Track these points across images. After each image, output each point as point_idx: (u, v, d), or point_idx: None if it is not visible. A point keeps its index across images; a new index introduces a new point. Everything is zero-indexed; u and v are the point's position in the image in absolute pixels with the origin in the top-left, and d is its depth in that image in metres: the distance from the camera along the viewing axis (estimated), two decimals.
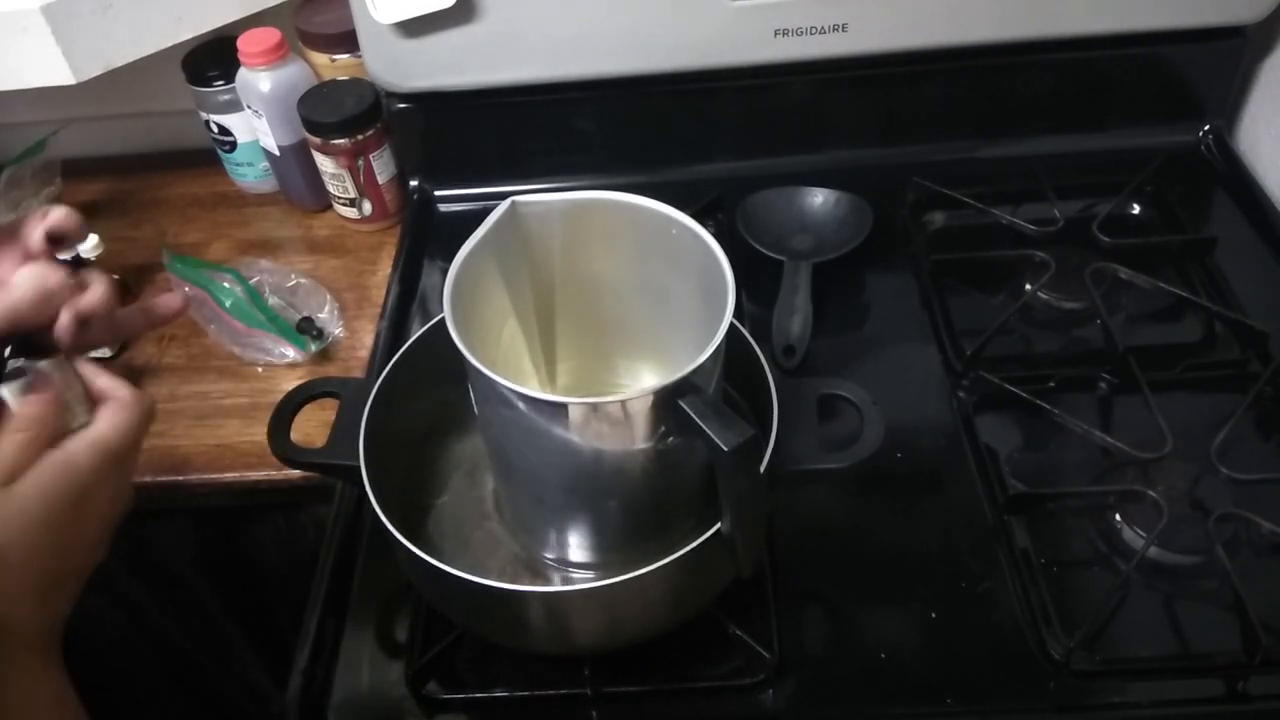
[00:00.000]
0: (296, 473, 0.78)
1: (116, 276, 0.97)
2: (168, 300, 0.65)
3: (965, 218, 0.93)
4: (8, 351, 0.54)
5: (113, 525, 0.56)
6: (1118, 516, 0.70)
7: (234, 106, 1.00)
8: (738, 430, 0.50)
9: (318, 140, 0.95)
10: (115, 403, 0.56)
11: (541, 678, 0.66)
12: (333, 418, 0.68)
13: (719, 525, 0.56)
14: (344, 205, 1.01)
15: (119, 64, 0.89)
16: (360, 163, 0.96)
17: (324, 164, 0.98)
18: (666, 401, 0.52)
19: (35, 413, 0.53)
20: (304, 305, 0.93)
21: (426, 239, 1.00)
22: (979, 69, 0.95)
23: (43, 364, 0.55)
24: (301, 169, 1.01)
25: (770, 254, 0.90)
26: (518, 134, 0.99)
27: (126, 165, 1.14)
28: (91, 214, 1.09)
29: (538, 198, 0.59)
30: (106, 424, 0.55)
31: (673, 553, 0.55)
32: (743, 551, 0.57)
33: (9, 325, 0.53)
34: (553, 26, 0.89)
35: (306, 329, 0.90)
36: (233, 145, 1.04)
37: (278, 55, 0.94)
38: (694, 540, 0.56)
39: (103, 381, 0.57)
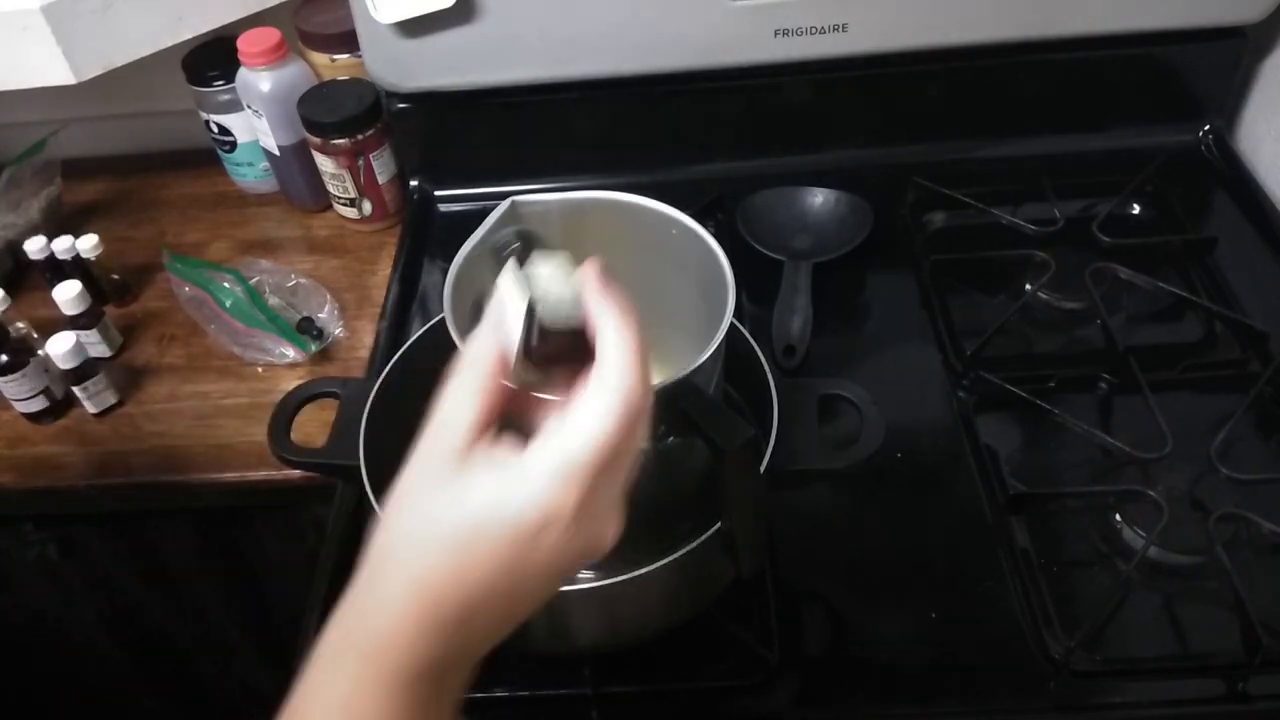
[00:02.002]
0: (296, 473, 0.78)
1: (116, 276, 0.97)
2: None
3: (965, 218, 0.93)
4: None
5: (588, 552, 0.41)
6: (1118, 516, 0.70)
7: (234, 106, 1.00)
8: (738, 430, 0.50)
9: (318, 140, 0.95)
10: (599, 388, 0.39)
11: (541, 678, 0.66)
12: (333, 418, 0.68)
13: (719, 525, 0.56)
14: (344, 205, 1.01)
15: (119, 64, 0.89)
16: (360, 163, 0.96)
17: (324, 164, 0.98)
18: (666, 401, 0.52)
19: (483, 350, 0.41)
20: (304, 305, 0.93)
21: (426, 239, 1.00)
22: (979, 69, 0.95)
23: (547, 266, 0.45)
24: (301, 169, 1.01)
25: (770, 254, 0.90)
26: (518, 134, 0.99)
27: (126, 165, 1.14)
28: (91, 214, 1.09)
29: (538, 198, 0.59)
30: (594, 418, 0.39)
31: (673, 553, 0.55)
32: (743, 551, 0.57)
33: None
34: (553, 26, 0.89)
35: (306, 329, 0.90)
36: (233, 145, 1.04)
37: (278, 55, 0.94)
38: (694, 540, 0.56)
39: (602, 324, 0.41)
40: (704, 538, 0.56)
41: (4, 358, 0.84)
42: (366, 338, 0.92)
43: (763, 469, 0.58)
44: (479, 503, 0.38)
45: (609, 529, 0.41)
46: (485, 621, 0.39)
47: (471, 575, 0.38)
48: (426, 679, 0.38)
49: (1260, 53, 0.96)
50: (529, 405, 0.44)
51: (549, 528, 0.38)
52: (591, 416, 0.38)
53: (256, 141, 1.02)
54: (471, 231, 0.57)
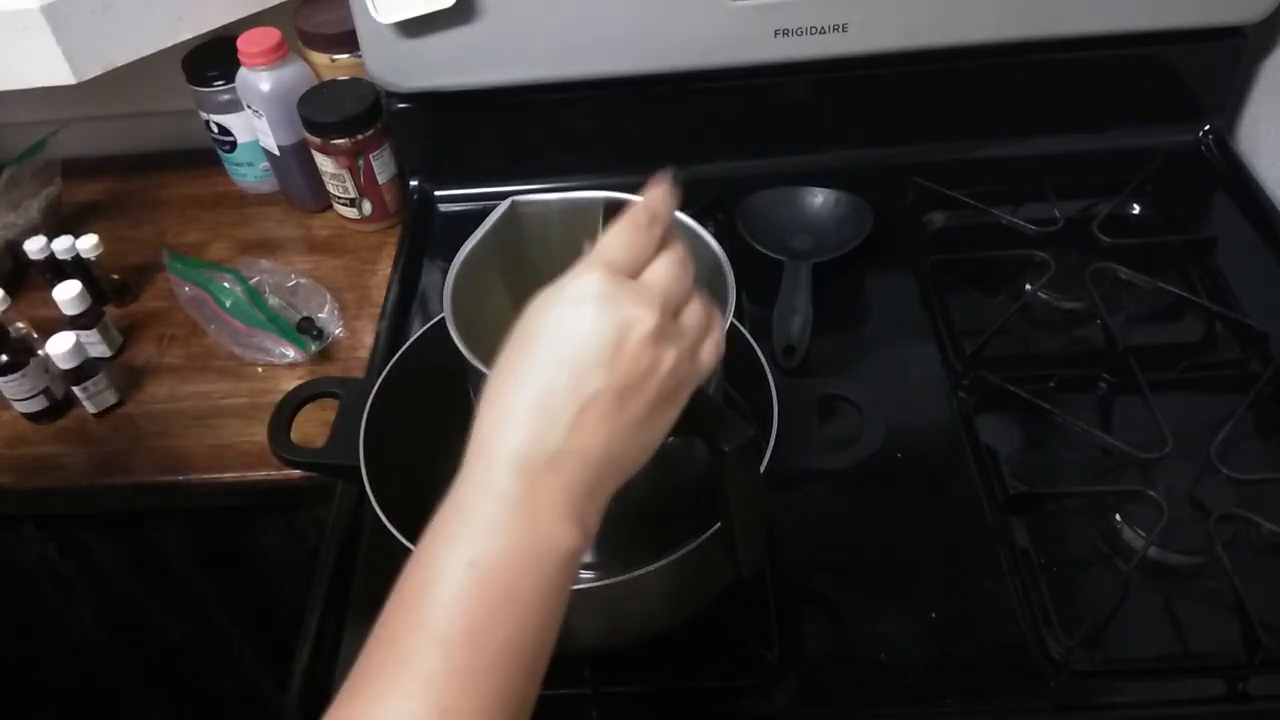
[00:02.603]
0: (296, 473, 0.78)
1: (116, 276, 0.97)
2: None
3: (965, 218, 0.93)
4: None
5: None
6: (1118, 516, 0.70)
7: (234, 106, 1.00)
8: (738, 430, 0.50)
9: (318, 140, 0.95)
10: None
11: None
12: (333, 418, 0.68)
13: (719, 525, 0.56)
14: (344, 205, 1.01)
15: (119, 64, 0.89)
16: (360, 163, 0.96)
17: (324, 164, 0.98)
18: None
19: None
20: (304, 305, 0.93)
21: (426, 239, 1.00)
22: (979, 69, 0.95)
23: None
24: (301, 169, 1.01)
25: (770, 254, 0.90)
26: (518, 134, 0.99)
27: (126, 165, 1.14)
28: (91, 214, 1.09)
29: (538, 198, 0.59)
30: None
31: (673, 553, 0.55)
32: (742, 551, 0.57)
33: None
34: (553, 26, 0.89)
35: (306, 329, 0.90)
36: (233, 145, 1.04)
37: (278, 55, 0.94)
38: (694, 540, 0.56)
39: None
40: (704, 538, 0.56)
41: (4, 358, 0.84)
42: (366, 338, 0.92)
43: (763, 469, 0.58)
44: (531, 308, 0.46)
45: (652, 309, 0.44)
46: (550, 402, 0.43)
47: (523, 361, 0.44)
48: (519, 473, 0.42)
49: (1260, 53, 0.96)
50: None
51: (554, 300, 0.44)
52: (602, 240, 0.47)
53: (256, 141, 1.02)
54: (471, 231, 0.57)
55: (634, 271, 0.46)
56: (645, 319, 0.44)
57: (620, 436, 0.44)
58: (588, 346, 0.43)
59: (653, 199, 0.48)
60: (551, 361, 0.43)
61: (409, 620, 0.41)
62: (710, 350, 0.48)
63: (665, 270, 0.46)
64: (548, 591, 0.42)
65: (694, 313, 0.47)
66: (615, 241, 0.46)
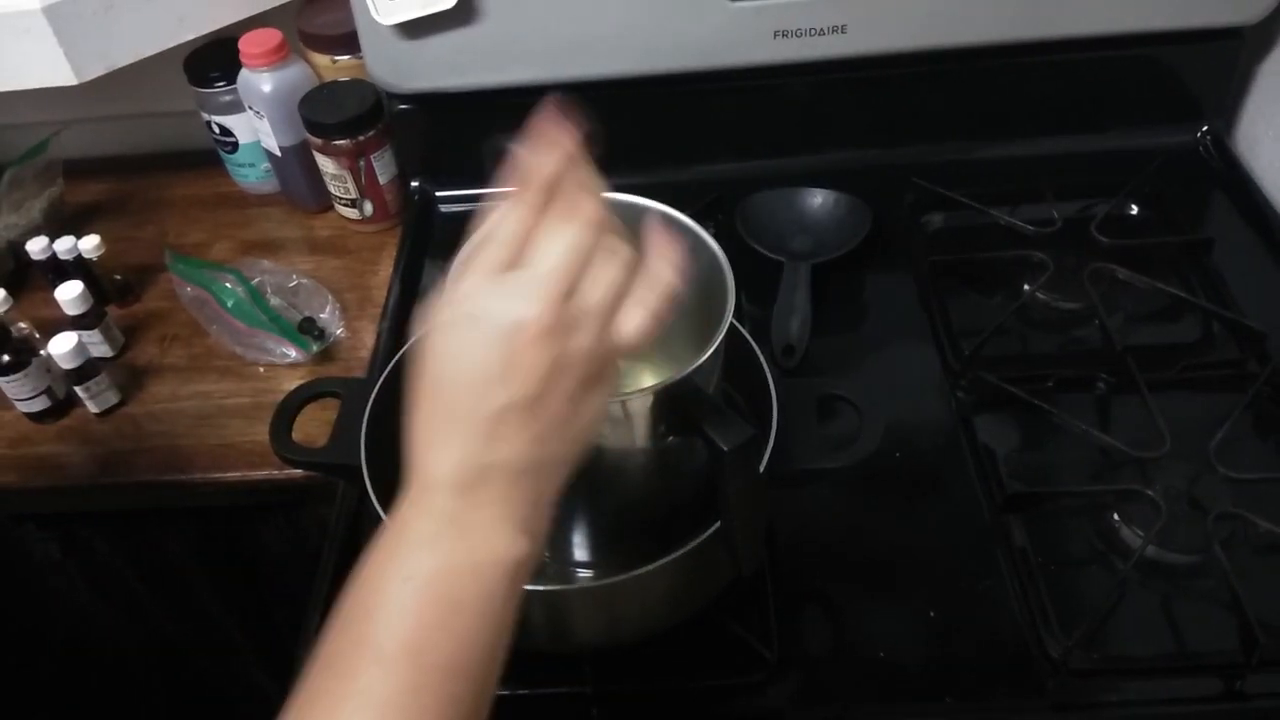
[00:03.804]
0: (298, 472, 0.79)
1: (118, 276, 0.98)
2: None
3: (964, 218, 0.93)
4: None
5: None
6: (1116, 516, 0.70)
7: (236, 107, 1.00)
8: (738, 430, 0.50)
9: (319, 141, 0.95)
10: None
11: (541, 677, 0.66)
12: (334, 417, 0.68)
13: (719, 525, 0.56)
14: (345, 206, 1.02)
15: (121, 64, 0.89)
16: (361, 163, 0.97)
17: (325, 165, 0.98)
18: (666, 401, 0.52)
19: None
20: (305, 305, 0.93)
21: (427, 239, 1.00)
22: (979, 69, 0.95)
23: None
24: (303, 170, 1.02)
25: (770, 254, 0.90)
26: (518, 135, 0.99)
27: (128, 166, 1.14)
28: (93, 215, 1.09)
29: None
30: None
31: (673, 552, 0.56)
32: (742, 551, 0.57)
33: None
34: (553, 27, 0.89)
35: (308, 329, 0.91)
36: (234, 146, 1.04)
37: (279, 56, 0.94)
38: (694, 540, 0.56)
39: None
40: (704, 537, 0.56)
41: (6, 358, 0.84)
42: (368, 338, 0.92)
43: (763, 469, 0.59)
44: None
45: (539, 303, 0.42)
46: (461, 423, 0.42)
47: (430, 386, 0.43)
48: (452, 491, 0.42)
49: (1258, 54, 0.96)
50: None
51: (441, 324, 0.43)
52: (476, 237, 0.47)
53: (258, 142, 1.03)
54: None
55: (519, 256, 0.43)
56: (532, 319, 0.41)
57: (546, 437, 0.43)
58: (478, 368, 0.42)
59: (534, 171, 0.46)
60: (452, 384, 0.42)
61: (351, 639, 0.41)
62: (638, 316, 0.44)
63: (555, 247, 0.43)
64: (491, 603, 0.41)
65: (602, 283, 0.43)
66: (489, 242, 0.44)
